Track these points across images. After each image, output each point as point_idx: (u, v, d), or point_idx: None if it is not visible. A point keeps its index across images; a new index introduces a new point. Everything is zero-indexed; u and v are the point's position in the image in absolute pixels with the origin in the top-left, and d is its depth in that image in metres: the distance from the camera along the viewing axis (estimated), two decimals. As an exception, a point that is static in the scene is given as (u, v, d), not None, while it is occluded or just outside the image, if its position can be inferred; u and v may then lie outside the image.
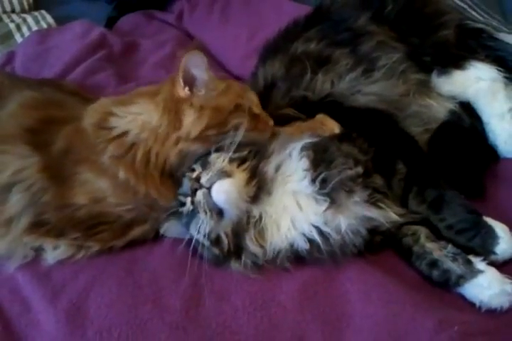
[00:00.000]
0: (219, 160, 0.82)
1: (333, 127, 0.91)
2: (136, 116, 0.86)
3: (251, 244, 0.82)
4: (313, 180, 0.81)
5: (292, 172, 0.83)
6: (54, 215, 0.89)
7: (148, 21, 1.82)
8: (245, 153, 0.84)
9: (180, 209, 0.85)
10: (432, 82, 1.01)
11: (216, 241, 0.82)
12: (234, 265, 0.83)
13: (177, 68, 0.84)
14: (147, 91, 0.90)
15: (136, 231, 0.91)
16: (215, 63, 1.52)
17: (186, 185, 0.85)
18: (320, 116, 0.93)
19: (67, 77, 1.45)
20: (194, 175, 0.84)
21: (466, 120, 1.01)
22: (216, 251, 0.83)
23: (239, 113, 0.86)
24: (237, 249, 0.82)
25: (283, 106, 0.95)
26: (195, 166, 0.86)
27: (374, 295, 0.78)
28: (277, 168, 0.83)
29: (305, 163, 0.82)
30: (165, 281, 0.84)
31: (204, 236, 0.81)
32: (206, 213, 0.80)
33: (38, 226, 0.90)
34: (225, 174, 0.81)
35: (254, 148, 0.85)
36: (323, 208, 0.80)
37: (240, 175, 0.82)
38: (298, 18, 1.17)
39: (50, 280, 0.85)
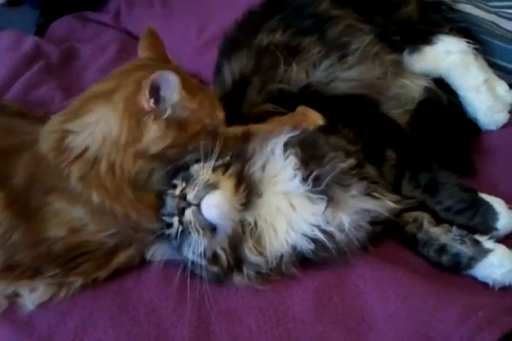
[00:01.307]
0: (202, 172, 0.76)
1: (316, 119, 0.87)
2: (94, 128, 0.77)
3: (250, 253, 0.76)
4: (305, 179, 0.76)
5: (279, 171, 0.78)
6: (27, 254, 0.80)
7: (83, 24, 1.70)
8: (228, 158, 0.78)
9: (168, 232, 0.78)
10: (405, 61, 0.99)
11: (214, 259, 0.76)
12: (236, 278, 0.77)
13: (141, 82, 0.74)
14: (100, 92, 0.79)
15: (121, 258, 0.83)
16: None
17: (170, 204, 0.78)
18: (301, 109, 0.88)
19: (5, 96, 1.34)
20: (177, 191, 0.77)
21: (443, 96, 0.99)
22: (215, 269, 0.76)
23: (203, 134, 0.79)
24: (237, 262, 0.77)
25: (260, 102, 0.90)
26: (175, 181, 0.78)
27: (390, 292, 0.75)
28: (263, 168, 0.78)
29: (293, 161, 0.77)
30: (165, 312, 0.78)
31: (200, 256, 0.75)
32: (199, 232, 0.74)
33: (8, 270, 0.81)
34: (211, 186, 0.75)
35: (235, 151, 0.79)
36: (322, 207, 0.76)
37: (227, 184, 0.75)
38: (253, 7, 1.11)
39: (34, 328, 0.77)
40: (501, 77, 1.02)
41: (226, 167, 0.77)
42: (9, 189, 0.80)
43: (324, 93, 0.90)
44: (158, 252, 0.82)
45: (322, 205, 0.76)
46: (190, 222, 0.74)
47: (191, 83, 0.81)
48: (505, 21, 1.07)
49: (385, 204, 0.80)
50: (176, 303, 0.78)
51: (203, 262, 0.76)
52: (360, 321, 0.73)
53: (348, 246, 0.77)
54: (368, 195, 0.79)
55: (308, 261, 0.79)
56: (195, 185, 0.75)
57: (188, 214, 0.74)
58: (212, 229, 0.75)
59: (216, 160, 0.77)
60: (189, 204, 0.74)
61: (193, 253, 0.75)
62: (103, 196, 0.77)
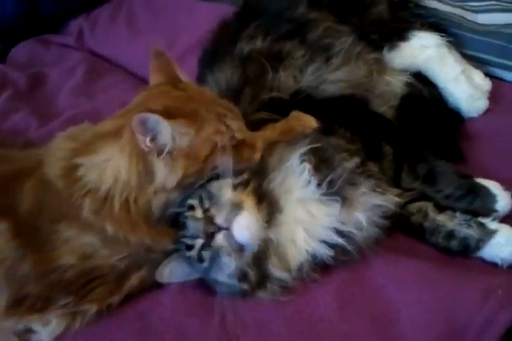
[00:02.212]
0: (224, 191, 0.75)
1: (311, 122, 0.88)
2: (105, 167, 0.76)
3: (275, 270, 0.76)
4: (320, 184, 0.77)
5: (295, 180, 0.78)
6: (37, 285, 0.78)
7: (45, 48, 1.66)
8: (246, 175, 0.77)
9: (188, 254, 0.76)
10: (385, 59, 1.02)
11: (243, 277, 0.75)
12: (260, 294, 0.77)
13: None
14: (107, 132, 0.78)
15: (133, 281, 0.82)
16: (137, 80, 1.43)
17: (193, 226, 0.76)
18: (294, 114, 0.89)
19: (-22, 127, 1.29)
20: (199, 213, 0.75)
21: (424, 90, 1.02)
22: (244, 286, 0.76)
23: (217, 153, 0.75)
24: (261, 278, 0.77)
25: (253, 111, 0.90)
26: (192, 202, 0.77)
27: (410, 282, 0.77)
28: (283, 183, 0.78)
29: (307, 168, 0.77)
30: (190, 330, 0.78)
31: (230, 276, 0.74)
32: (230, 255, 0.73)
33: (17, 305, 0.79)
34: (238, 207, 0.74)
35: (252, 167, 0.78)
36: (337, 208, 0.77)
37: (250, 202, 0.75)
38: (226, 17, 1.12)
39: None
40: (475, 67, 1.07)
41: (246, 184, 0.76)
42: (15, 218, 0.78)
43: (315, 96, 0.91)
44: (173, 274, 0.80)
45: (337, 206, 0.77)
46: (222, 247, 0.73)
47: (193, 103, 0.77)
48: (471, 14, 1.12)
49: (390, 199, 0.82)
50: (201, 320, 0.78)
51: (233, 282, 0.75)
52: (385, 313, 0.75)
53: (365, 243, 0.79)
54: (375, 191, 0.81)
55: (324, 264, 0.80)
56: (221, 207, 0.74)
57: (220, 238, 0.73)
58: (240, 249, 0.74)
59: (235, 177, 0.76)
60: (219, 228, 0.73)
61: (223, 274, 0.75)
62: (117, 229, 0.76)
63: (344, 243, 0.77)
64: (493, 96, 1.04)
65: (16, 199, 0.79)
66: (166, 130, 0.71)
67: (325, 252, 0.77)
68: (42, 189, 0.79)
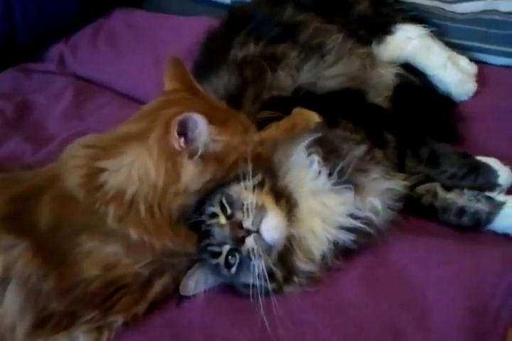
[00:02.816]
0: (244, 195, 0.76)
1: (314, 117, 0.90)
2: (129, 170, 0.75)
3: (301, 264, 0.78)
4: (330, 174, 0.79)
5: (306, 173, 0.80)
6: (61, 302, 0.76)
7: (27, 76, 1.64)
8: (260, 175, 0.78)
9: (215, 261, 0.77)
10: (375, 53, 1.06)
11: (271, 277, 0.76)
12: (287, 289, 0.78)
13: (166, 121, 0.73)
14: (133, 134, 0.77)
15: (157, 288, 0.82)
16: (125, 99, 1.44)
17: (220, 233, 0.76)
18: (296, 110, 0.91)
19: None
20: (222, 220, 0.76)
21: (414, 79, 1.07)
22: (272, 285, 0.77)
23: (242, 162, 0.77)
24: (288, 274, 0.78)
25: (256, 111, 0.92)
26: (213, 209, 0.77)
27: (430, 260, 0.80)
28: (294, 178, 0.80)
29: (316, 159, 0.80)
30: (224, 330, 0.77)
31: (260, 278, 0.75)
32: (260, 257, 0.73)
33: (42, 325, 0.77)
34: (262, 209, 0.74)
35: (264, 167, 0.80)
36: (351, 196, 0.79)
37: (270, 203, 0.76)
38: (212, 29, 1.15)
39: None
40: (459, 54, 1.11)
41: (262, 185, 0.78)
42: (36, 236, 0.76)
43: (315, 92, 0.94)
44: (199, 284, 0.81)
45: (351, 194, 0.79)
46: (253, 250, 0.73)
47: (220, 112, 0.79)
48: (449, 5, 1.18)
49: (399, 183, 0.85)
50: (232, 319, 0.78)
51: (261, 282, 0.75)
52: (411, 293, 0.77)
53: (383, 226, 0.81)
54: (384, 176, 0.84)
55: (347, 250, 0.81)
56: (247, 211, 0.74)
57: (250, 242, 0.74)
58: (269, 249, 0.75)
59: (250, 179, 0.77)
60: (249, 232, 0.74)
61: (251, 277, 0.75)
62: (142, 233, 0.75)
63: (363, 226, 0.79)
64: (480, 79, 1.09)
65: (34, 217, 0.78)
66: (205, 133, 0.72)
67: (346, 237, 0.79)
68: (59, 203, 0.78)
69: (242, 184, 0.77)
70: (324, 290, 0.79)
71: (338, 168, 0.79)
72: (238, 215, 0.75)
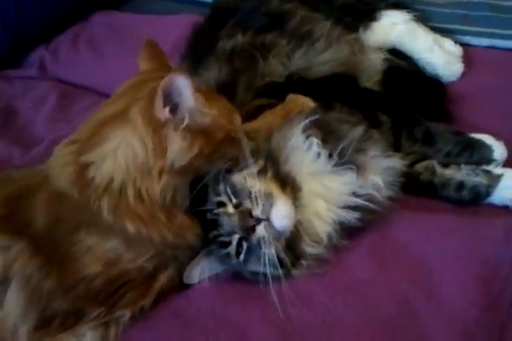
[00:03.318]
0: (249, 182, 0.75)
1: (308, 103, 0.90)
2: (115, 155, 0.73)
3: (308, 247, 0.78)
4: (331, 155, 0.79)
5: (305, 156, 0.80)
6: (64, 300, 0.75)
7: (8, 83, 1.60)
8: (262, 161, 0.77)
9: (225, 251, 0.76)
10: (362, 39, 1.07)
11: (280, 264, 0.76)
12: (296, 272, 0.78)
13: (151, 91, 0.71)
14: (112, 115, 0.74)
15: (162, 281, 0.81)
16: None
17: (228, 222, 0.75)
18: (291, 96, 0.91)
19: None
20: (230, 209, 0.75)
21: (402, 63, 1.09)
22: (281, 271, 0.76)
23: (228, 141, 0.76)
24: (295, 258, 0.78)
25: (250, 99, 0.92)
26: (221, 199, 0.76)
27: (433, 232, 0.81)
28: (295, 162, 0.79)
29: (315, 142, 0.79)
30: (234, 315, 0.76)
31: (271, 265, 0.74)
32: (271, 245, 0.73)
33: (46, 325, 0.76)
34: (270, 196, 0.74)
35: (263, 153, 0.79)
36: (354, 175, 0.79)
37: (276, 189, 0.75)
38: (197, 23, 1.15)
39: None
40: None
41: (264, 171, 0.77)
42: (31, 236, 0.75)
43: (308, 77, 0.95)
44: (203, 272, 0.80)
45: (353, 174, 0.79)
46: (264, 238, 0.73)
47: (204, 90, 0.78)
48: (430, -10, 1.21)
49: (398, 161, 0.86)
50: (242, 304, 0.77)
51: (269, 270, 0.75)
52: (418, 266, 0.77)
53: (386, 202, 0.81)
54: (382, 155, 0.84)
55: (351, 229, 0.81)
56: (255, 200, 0.73)
57: (261, 230, 0.73)
58: (278, 236, 0.75)
59: (252, 166, 0.76)
60: (259, 221, 0.73)
61: (260, 264, 0.74)
62: (137, 224, 0.74)
63: (366, 203, 0.79)
64: (465, 60, 1.12)
65: (29, 217, 0.76)
66: (190, 96, 0.69)
67: (351, 216, 0.79)
68: (54, 202, 0.76)
69: (244, 171, 0.76)
70: (333, 270, 0.79)
71: (339, 149, 0.79)
72: (246, 204, 0.74)
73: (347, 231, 0.81)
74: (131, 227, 0.73)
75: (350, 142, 0.81)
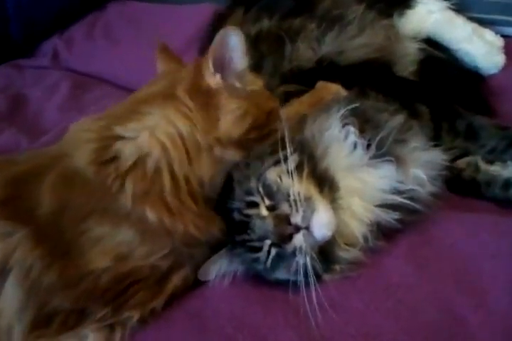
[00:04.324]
0: (286, 181, 0.67)
1: (339, 90, 0.84)
2: (154, 131, 0.67)
3: (344, 252, 0.70)
4: (369, 146, 0.72)
5: (340, 147, 0.72)
6: (66, 297, 0.67)
7: (19, 72, 1.59)
8: (297, 156, 0.69)
9: (255, 256, 0.69)
10: (397, 26, 1.01)
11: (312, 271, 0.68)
12: (327, 277, 0.70)
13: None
14: (153, 94, 0.70)
15: (176, 281, 0.73)
16: (124, 91, 1.36)
17: (260, 227, 0.67)
18: (320, 84, 0.85)
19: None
20: (263, 211, 0.67)
21: (438, 53, 1.02)
22: (314, 278, 0.68)
23: (273, 116, 0.71)
24: (327, 264, 0.70)
25: (277, 84, 0.86)
26: (253, 198, 0.68)
27: (482, 233, 0.72)
28: (333, 156, 0.72)
29: (352, 131, 0.72)
30: (256, 318, 0.68)
31: (303, 275, 0.67)
32: (307, 254, 0.65)
33: (44, 325, 0.68)
34: (309, 201, 0.66)
35: (297, 146, 0.70)
36: (393, 168, 0.72)
37: (315, 190, 0.67)
38: (220, 11, 1.11)
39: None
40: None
41: (301, 168, 0.68)
42: (36, 222, 0.67)
43: (339, 63, 0.88)
44: (221, 271, 0.73)
45: (391, 166, 0.72)
46: (302, 247, 0.65)
47: None
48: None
49: (439, 155, 0.78)
50: (264, 307, 0.70)
51: (303, 279, 0.67)
52: (465, 269, 0.70)
53: (430, 200, 0.73)
54: (423, 147, 0.77)
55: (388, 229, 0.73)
56: (295, 205, 0.65)
57: (299, 239, 0.65)
58: (315, 246, 0.67)
59: (287, 161, 0.67)
60: (298, 229, 0.65)
61: (294, 273, 0.67)
62: (161, 213, 0.66)
63: (408, 202, 0.71)
64: (506, 52, 1.05)
65: (34, 202, 0.68)
66: (241, 59, 0.67)
67: (389, 216, 0.71)
68: (64, 185, 0.68)
69: (278, 168, 0.68)
70: (367, 273, 0.71)
71: (378, 138, 0.71)
72: (283, 207, 0.66)
73: (383, 231, 0.73)
74: (152, 216, 0.66)
75: (390, 132, 0.73)
